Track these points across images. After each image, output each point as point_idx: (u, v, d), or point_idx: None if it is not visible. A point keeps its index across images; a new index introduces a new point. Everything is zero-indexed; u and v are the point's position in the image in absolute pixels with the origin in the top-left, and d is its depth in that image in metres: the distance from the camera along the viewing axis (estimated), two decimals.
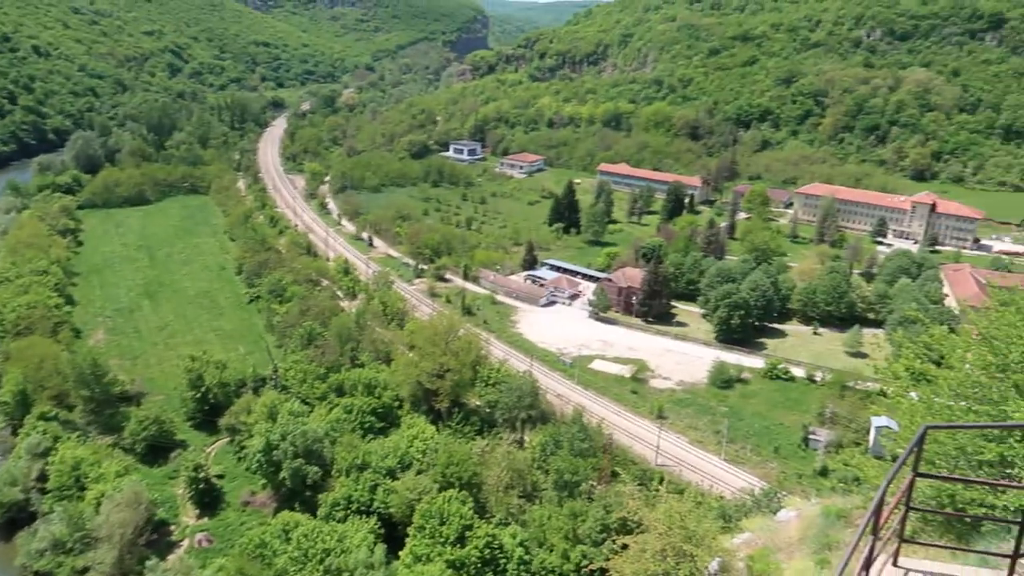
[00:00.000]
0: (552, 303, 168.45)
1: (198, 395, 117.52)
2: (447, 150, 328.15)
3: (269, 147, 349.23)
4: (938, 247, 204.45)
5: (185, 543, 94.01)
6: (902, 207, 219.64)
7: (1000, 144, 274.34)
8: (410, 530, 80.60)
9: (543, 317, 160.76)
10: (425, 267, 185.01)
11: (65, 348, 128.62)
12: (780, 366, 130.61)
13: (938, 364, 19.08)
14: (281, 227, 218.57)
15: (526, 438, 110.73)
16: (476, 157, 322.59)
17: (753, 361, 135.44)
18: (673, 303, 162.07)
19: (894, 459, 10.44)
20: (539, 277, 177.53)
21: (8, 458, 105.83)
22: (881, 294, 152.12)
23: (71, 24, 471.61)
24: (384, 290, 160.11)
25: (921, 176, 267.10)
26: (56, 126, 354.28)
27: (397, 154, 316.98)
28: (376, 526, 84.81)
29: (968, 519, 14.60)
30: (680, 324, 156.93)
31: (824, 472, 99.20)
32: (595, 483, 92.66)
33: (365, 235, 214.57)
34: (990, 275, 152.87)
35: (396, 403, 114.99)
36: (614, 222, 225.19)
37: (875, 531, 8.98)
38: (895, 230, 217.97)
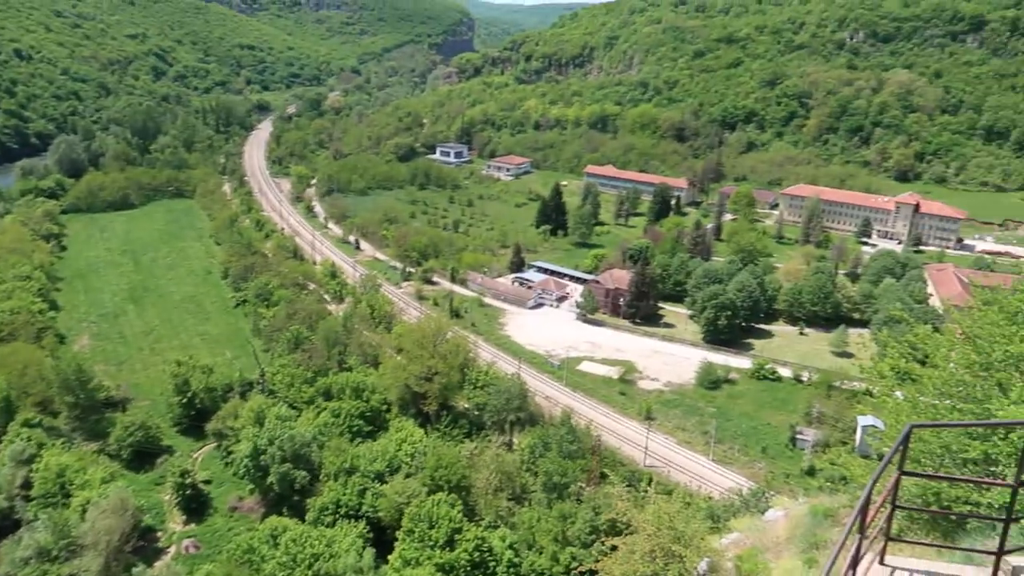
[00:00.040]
0: (540, 305, 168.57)
1: (184, 400, 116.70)
2: (434, 153, 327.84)
3: (255, 151, 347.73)
4: (922, 247, 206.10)
5: (172, 550, 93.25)
6: (886, 207, 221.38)
7: (982, 145, 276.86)
8: (399, 534, 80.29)
9: (531, 319, 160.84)
10: (412, 270, 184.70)
11: (49, 354, 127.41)
12: (767, 366, 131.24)
13: (923, 363, 19.24)
14: (267, 231, 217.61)
15: (515, 440, 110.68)
16: (463, 160, 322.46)
17: (740, 362, 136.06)
18: (660, 304, 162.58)
19: (880, 458, 10.52)
20: (527, 279, 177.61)
21: None
22: (866, 294, 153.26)
23: (53, 27, 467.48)
24: (371, 293, 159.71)
25: (904, 177, 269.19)
26: (39, 130, 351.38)
27: (384, 157, 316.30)
28: (365, 530, 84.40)
29: (953, 517, 14.72)
30: (667, 325, 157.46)
31: (811, 472, 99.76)
32: (584, 485, 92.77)
33: (352, 238, 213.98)
34: (973, 274, 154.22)
35: (384, 407, 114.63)
36: (601, 224, 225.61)
37: (862, 530, 9.04)
38: (879, 230, 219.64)
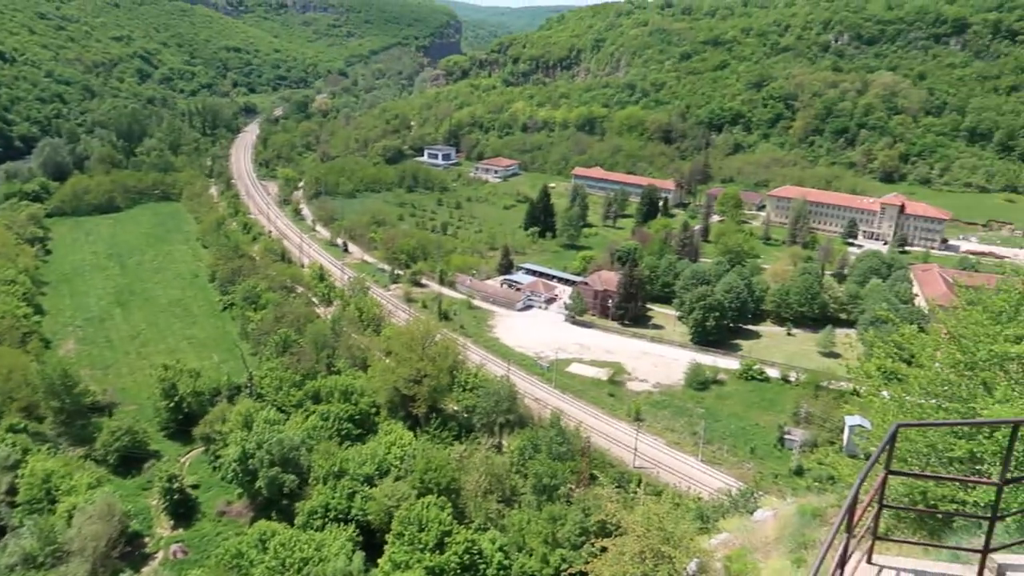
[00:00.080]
0: (529, 307, 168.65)
1: (172, 404, 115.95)
2: (422, 155, 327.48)
3: (241, 153, 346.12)
4: (907, 248, 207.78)
5: (160, 555, 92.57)
6: (871, 208, 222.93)
7: (965, 146, 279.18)
8: (389, 537, 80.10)
9: (520, 321, 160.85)
10: (401, 272, 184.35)
11: (34, 358, 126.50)
12: (755, 367, 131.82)
13: (909, 363, 19.38)
14: (255, 234, 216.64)
15: (504, 443, 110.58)
16: (451, 162, 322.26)
17: (728, 362, 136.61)
18: (649, 306, 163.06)
19: (867, 457, 10.60)
20: (515, 281, 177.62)
21: None
22: (852, 294, 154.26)
23: (37, 30, 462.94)
24: (360, 296, 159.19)
25: (889, 178, 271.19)
26: (23, 133, 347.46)
27: (371, 159, 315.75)
28: (354, 534, 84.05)
29: (940, 515, 14.83)
30: (656, 326, 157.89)
31: (799, 471, 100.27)
32: (574, 486, 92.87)
33: (340, 241, 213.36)
34: (958, 275, 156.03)
35: (373, 409, 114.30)
36: (589, 226, 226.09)
37: (849, 529, 9.10)
38: (865, 231, 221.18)
